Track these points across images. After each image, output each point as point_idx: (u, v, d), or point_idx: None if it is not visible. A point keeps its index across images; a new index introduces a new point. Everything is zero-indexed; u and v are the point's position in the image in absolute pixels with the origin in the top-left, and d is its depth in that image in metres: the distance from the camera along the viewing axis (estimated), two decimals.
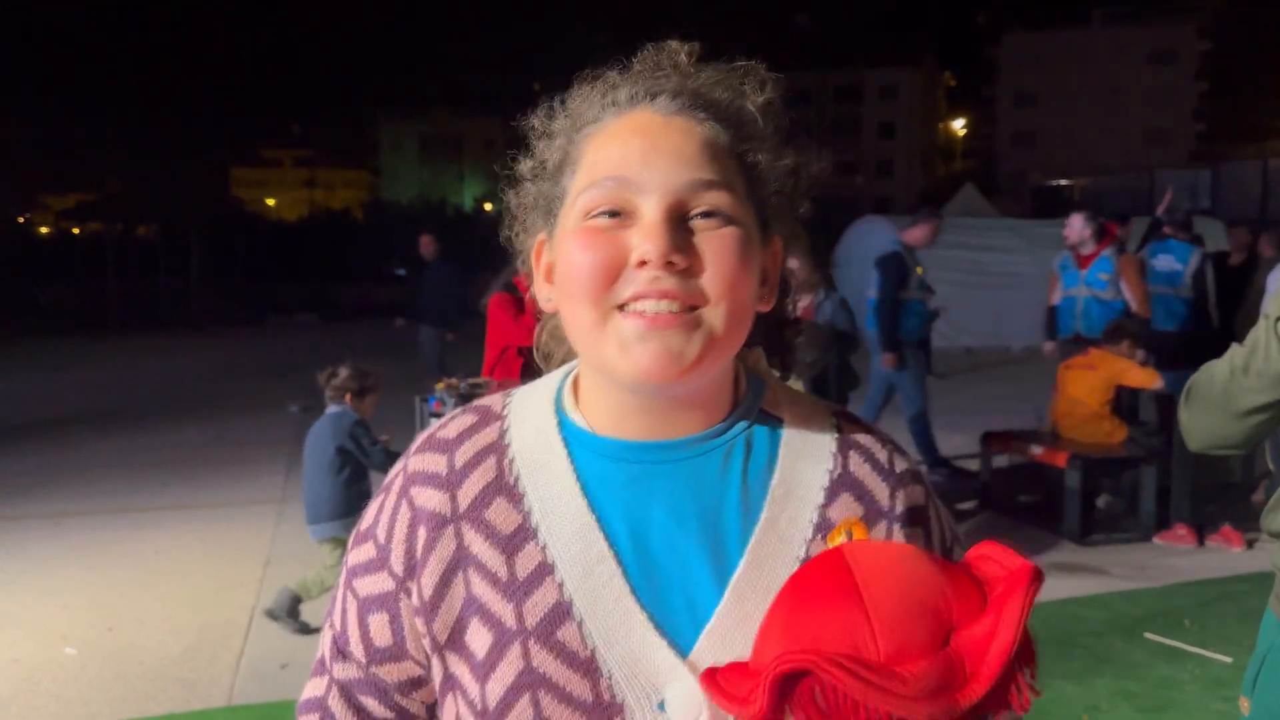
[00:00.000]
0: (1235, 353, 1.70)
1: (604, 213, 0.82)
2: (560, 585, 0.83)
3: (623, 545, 0.84)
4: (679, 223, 0.81)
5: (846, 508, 0.88)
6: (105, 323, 21.35)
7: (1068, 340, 6.92)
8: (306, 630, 4.40)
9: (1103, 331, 6.40)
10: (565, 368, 0.96)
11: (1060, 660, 4.10)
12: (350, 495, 4.59)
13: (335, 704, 0.94)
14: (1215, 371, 1.74)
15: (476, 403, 0.96)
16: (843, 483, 0.89)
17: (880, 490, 0.90)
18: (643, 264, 0.79)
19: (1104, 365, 6.07)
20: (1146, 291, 7.20)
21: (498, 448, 0.89)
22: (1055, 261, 7.15)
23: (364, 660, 0.92)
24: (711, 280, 0.80)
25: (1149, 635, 4.37)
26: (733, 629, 0.82)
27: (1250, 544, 5.64)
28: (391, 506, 0.91)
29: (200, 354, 16.42)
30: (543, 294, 0.91)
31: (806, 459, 0.89)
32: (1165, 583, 5.11)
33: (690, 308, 0.80)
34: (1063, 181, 32.64)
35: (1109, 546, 5.70)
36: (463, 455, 0.89)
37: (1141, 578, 5.20)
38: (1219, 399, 1.71)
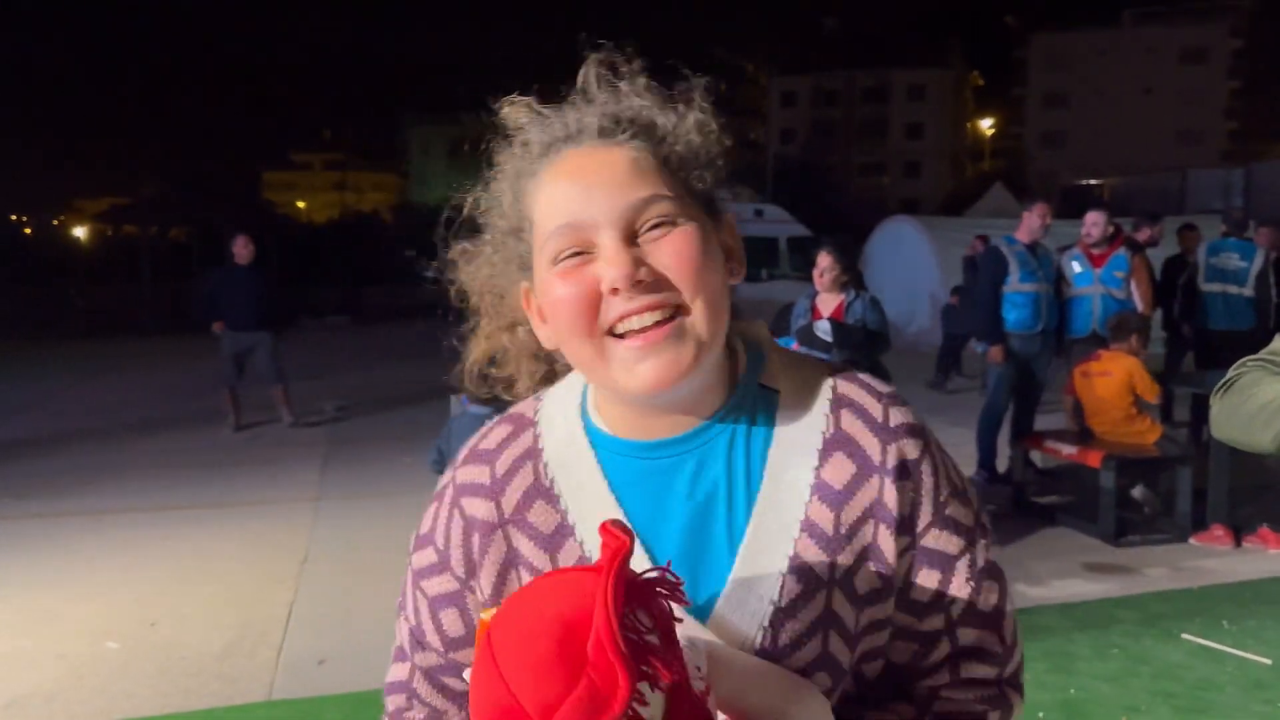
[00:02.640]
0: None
1: (568, 255, 0.89)
2: None
3: (647, 536, 0.93)
4: (633, 243, 0.88)
5: (839, 466, 0.93)
6: (140, 325, 21.63)
7: (1083, 339, 6.89)
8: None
9: (1109, 327, 6.38)
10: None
11: (1096, 661, 4.08)
12: None
13: (420, 686, 1.06)
14: (1260, 393, 1.68)
15: (510, 411, 1.05)
16: (835, 442, 0.94)
17: (872, 445, 0.94)
18: (615, 291, 0.86)
19: (1118, 368, 6.04)
20: (1154, 292, 7.18)
21: (533, 453, 0.99)
22: (1064, 259, 7.09)
23: (441, 649, 1.02)
24: (680, 282, 0.87)
25: (1186, 636, 4.34)
26: (745, 593, 0.90)
27: None
28: (445, 516, 1.01)
29: None
30: (543, 334, 0.98)
31: (800, 425, 0.95)
32: (1202, 584, 5.06)
33: (673, 313, 0.87)
34: (1093, 181, 32.35)
35: (1144, 547, 5.66)
36: (503, 464, 0.99)
37: (1178, 579, 5.15)
38: (1257, 417, 1.67)
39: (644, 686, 0.69)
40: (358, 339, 20.44)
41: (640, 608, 0.72)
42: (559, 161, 0.92)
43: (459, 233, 1.05)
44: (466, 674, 0.99)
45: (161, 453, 8.68)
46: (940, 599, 0.96)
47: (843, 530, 0.92)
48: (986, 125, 70.36)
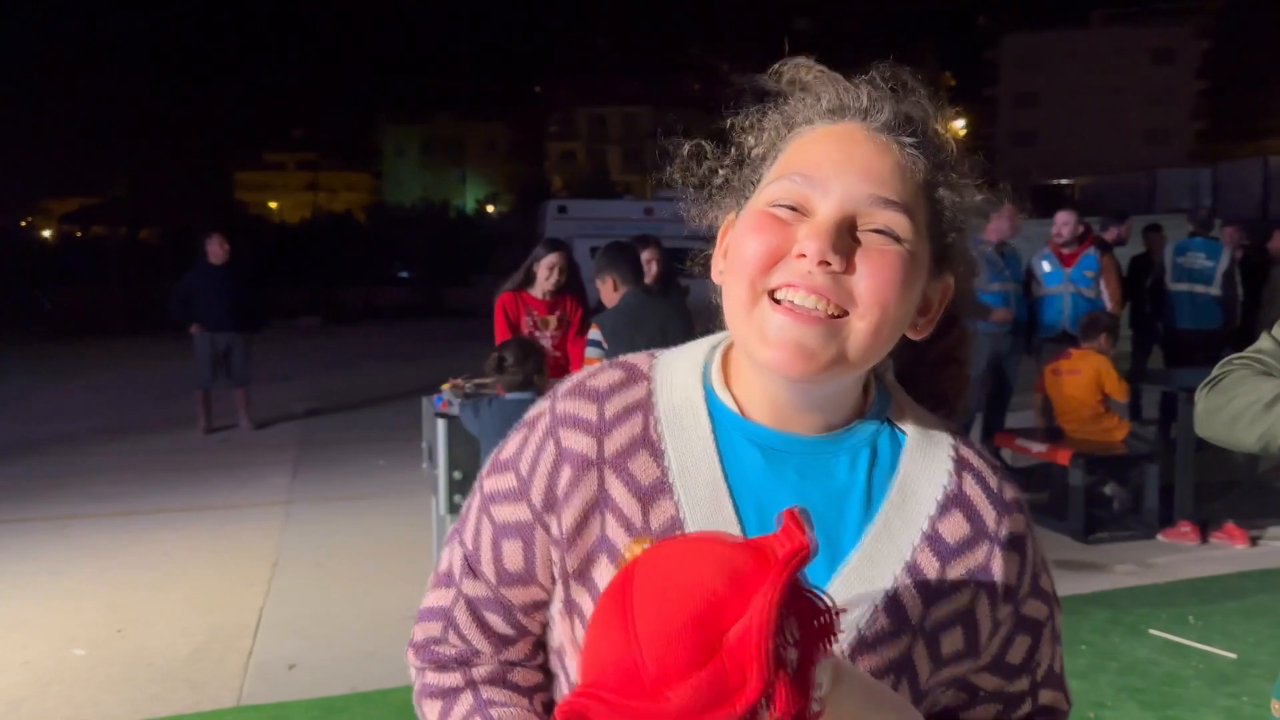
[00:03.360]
0: (1271, 389, 1.65)
1: (784, 204, 0.86)
2: None
3: (748, 518, 0.89)
4: (847, 230, 0.84)
5: (956, 524, 0.92)
6: (109, 327, 21.41)
7: (1053, 338, 6.95)
8: None
9: (1079, 326, 6.45)
10: (712, 339, 1.00)
11: (1065, 657, 4.11)
12: None
13: (461, 615, 1.00)
14: (1244, 391, 1.69)
15: (623, 358, 1.00)
16: (955, 500, 0.93)
17: (988, 513, 0.93)
18: (801, 256, 0.83)
19: (1087, 366, 6.10)
20: (1122, 291, 7.25)
21: (645, 405, 0.94)
22: (1034, 259, 7.15)
23: (494, 581, 0.97)
24: (864, 289, 0.83)
25: (1153, 632, 4.39)
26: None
27: (1254, 541, 5.66)
28: (537, 443, 0.95)
29: None
30: (717, 268, 0.95)
31: (925, 472, 0.93)
32: (1169, 579, 5.12)
33: (838, 312, 0.83)
34: (1063, 181, 32.64)
35: (1113, 544, 5.72)
36: (612, 408, 0.93)
37: (1146, 575, 5.21)
38: (1242, 416, 1.68)
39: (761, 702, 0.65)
40: (330, 340, 20.33)
41: (794, 617, 0.68)
42: (839, 125, 0.90)
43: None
44: (535, 618, 0.97)
45: (130, 456, 8.59)
46: (1029, 662, 0.98)
47: (945, 584, 0.91)
48: (958, 125, 70.78)
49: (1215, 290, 7.85)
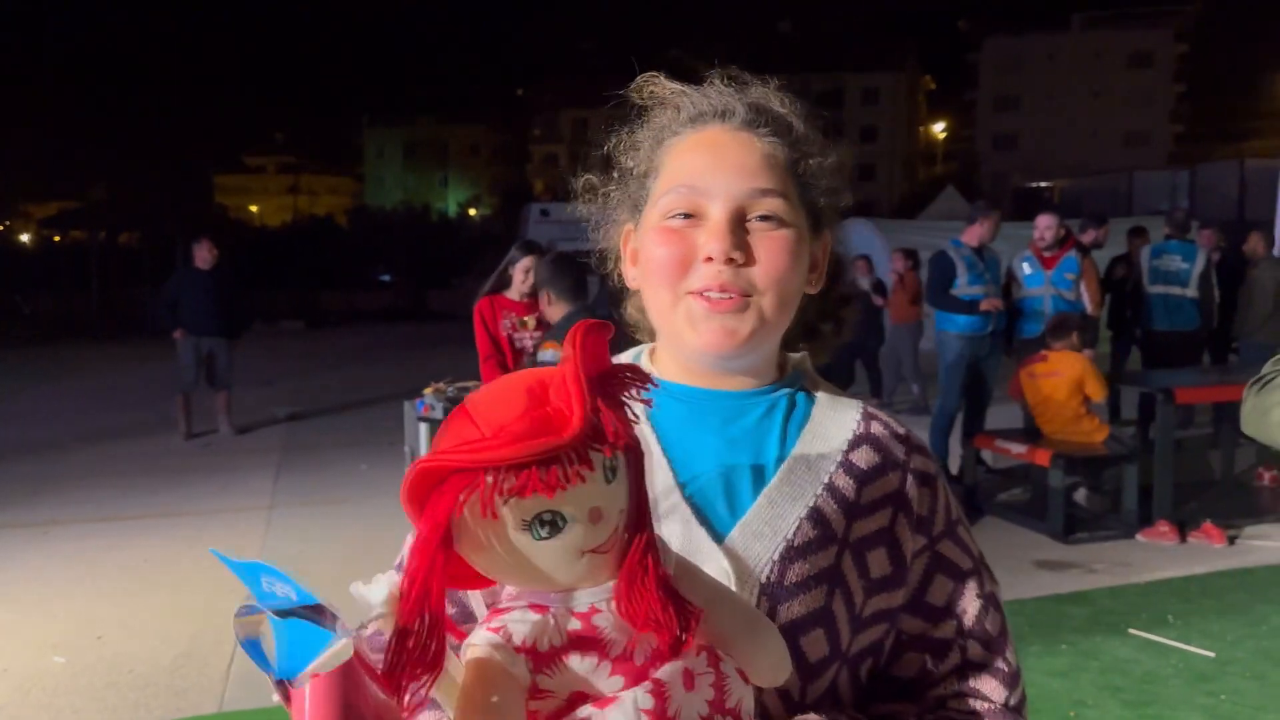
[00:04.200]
0: None
1: (679, 214, 0.98)
2: None
3: (677, 461, 0.99)
4: (739, 224, 0.97)
5: (867, 455, 1.02)
6: (89, 331, 21.27)
7: (1032, 340, 7.00)
8: None
9: (1049, 326, 6.49)
10: (646, 346, 1.12)
11: (1046, 657, 4.15)
12: None
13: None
14: None
15: None
16: (864, 438, 1.03)
17: (896, 448, 1.04)
18: (709, 260, 0.95)
19: (1066, 368, 6.14)
20: (1102, 294, 7.31)
21: None
22: (1015, 261, 7.20)
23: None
24: (762, 274, 0.96)
25: (1133, 631, 4.43)
26: (762, 524, 0.96)
27: (1232, 540, 5.71)
28: None
29: None
30: (630, 274, 1.07)
31: (835, 418, 1.05)
32: (1148, 579, 5.17)
33: (744, 295, 0.96)
34: (1043, 183, 32.85)
35: (1092, 544, 5.76)
36: None
37: (1125, 574, 5.25)
38: None
39: (602, 476, 0.70)
40: (312, 344, 20.25)
41: (615, 381, 0.74)
42: (704, 131, 1.02)
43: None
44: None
45: (110, 461, 8.53)
46: (952, 607, 1.02)
47: (863, 502, 0.99)
48: (939, 129, 71.19)
49: (1191, 292, 7.92)
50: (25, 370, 15.51)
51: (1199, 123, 60.75)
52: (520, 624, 0.72)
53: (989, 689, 1.01)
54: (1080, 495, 6.22)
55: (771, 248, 0.96)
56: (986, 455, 6.96)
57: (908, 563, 0.99)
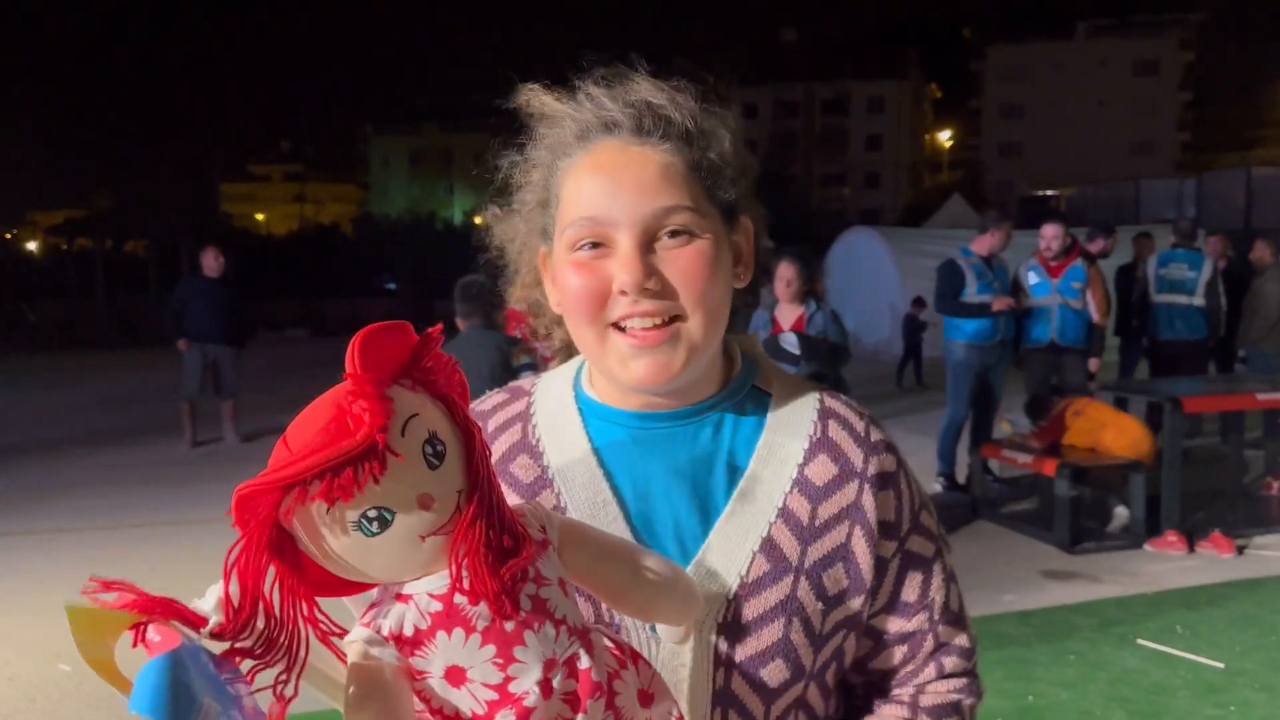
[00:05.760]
0: None
1: (586, 245, 0.93)
2: None
3: (625, 493, 0.97)
4: (648, 248, 0.92)
5: (823, 467, 0.98)
6: (95, 339, 21.31)
7: (1042, 349, 6.99)
8: None
9: (1026, 410, 6.69)
10: (585, 365, 1.08)
11: (1053, 667, 4.12)
12: None
13: None
14: None
15: (511, 384, 1.12)
16: (821, 446, 1.00)
17: (855, 454, 1.00)
18: (623, 292, 0.91)
19: (1093, 416, 6.22)
20: (1109, 303, 7.30)
21: (524, 416, 1.05)
22: (1021, 270, 7.18)
23: None
24: (685, 295, 0.92)
25: (1141, 641, 4.40)
26: (714, 563, 0.94)
27: (1240, 550, 5.69)
28: None
29: None
30: (554, 298, 1.02)
31: (789, 426, 1.01)
32: (1157, 589, 5.14)
33: (671, 318, 0.92)
34: (1049, 192, 32.83)
35: (1100, 554, 5.73)
36: (494, 422, 1.05)
37: (1133, 584, 5.23)
38: None
39: (423, 463, 0.71)
40: (317, 351, 20.24)
41: (418, 372, 0.76)
42: (593, 150, 0.95)
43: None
44: None
45: (115, 469, 8.54)
46: (923, 599, 1.02)
47: (817, 524, 0.96)
48: (944, 137, 71.21)
49: (1198, 301, 7.90)
50: (31, 378, 15.54)
51: (1205, 131, 60.74)
52: (386, 616, 0.75)
53: (957, 665, 1.04)
54: (1121, 514, 6.11)
55: (688, 266, 0.92)
56: (993, 464, 6.94)
57: (863, 572, 0.97)
